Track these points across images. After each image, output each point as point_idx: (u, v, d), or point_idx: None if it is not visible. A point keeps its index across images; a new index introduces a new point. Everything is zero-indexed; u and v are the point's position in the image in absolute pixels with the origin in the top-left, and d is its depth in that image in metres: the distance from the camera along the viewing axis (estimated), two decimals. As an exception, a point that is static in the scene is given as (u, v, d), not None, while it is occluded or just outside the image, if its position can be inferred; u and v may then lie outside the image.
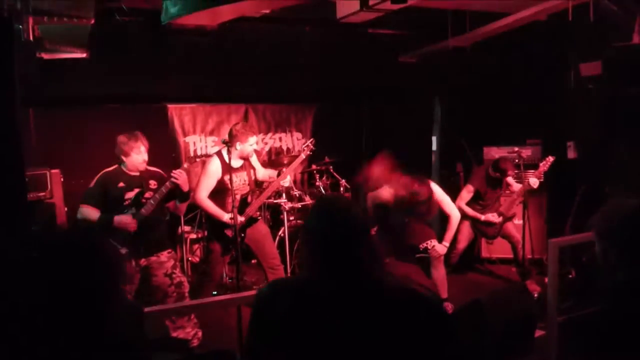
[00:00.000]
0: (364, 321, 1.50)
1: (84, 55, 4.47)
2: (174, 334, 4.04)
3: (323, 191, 6.09)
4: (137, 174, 4.07)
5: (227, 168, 4.41)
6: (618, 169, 5.47)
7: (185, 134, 6.80)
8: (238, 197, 4.48)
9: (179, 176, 3.96)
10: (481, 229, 5.63)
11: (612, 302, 1.85)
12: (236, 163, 4.56)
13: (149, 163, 4.14)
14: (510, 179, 5.50)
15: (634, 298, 1.80)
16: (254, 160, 4.82)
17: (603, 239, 1.88)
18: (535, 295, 5.16)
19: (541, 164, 5.41)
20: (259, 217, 4.88)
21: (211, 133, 6.90)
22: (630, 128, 5.26)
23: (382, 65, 6.94)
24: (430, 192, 4.72)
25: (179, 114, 6.76)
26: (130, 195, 4.00)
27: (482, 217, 5.51)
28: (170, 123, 6.73)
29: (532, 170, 6.02)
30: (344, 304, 1.52)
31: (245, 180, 4.64)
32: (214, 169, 4.44)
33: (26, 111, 5.54)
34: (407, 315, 1.51)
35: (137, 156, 4.01)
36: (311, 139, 5.00)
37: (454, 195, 5.49)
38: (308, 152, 4.87)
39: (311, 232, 1.65)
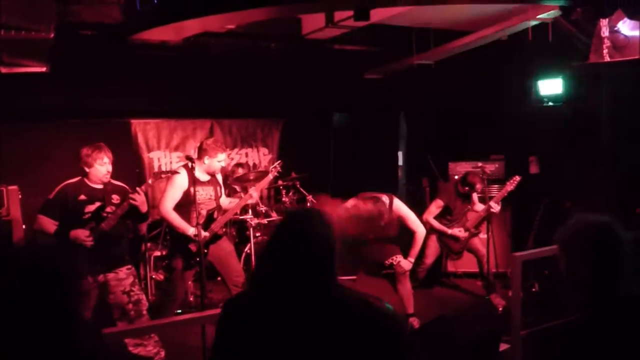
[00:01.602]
0: (320, 334, 1.52)
1: (44, 69, 4.37)
2: (135, 351, 3.94)
3: (290, 207, 6.07)
4: (100, 186, 3.97)
5: (193, 181, 4.35)
6: (577, 185, 5.62)
7: (149, 150, 6.68)
8: (204, 212, 4.41)
9: (138, 198, 3.87)
10: (447, 244, 5.67)
11: (576, 317, 1.87)
12: (203, 177, 4.50)
13: (113, 178, 4.06)
14: (475, 197, 5.58)
15: (598, 313, 1.82)
16: (220, 180, 4.78)
17: (568, 254, 1.89)
18: (500, 309, 5.23)
19: (508, 183, 5.51)
20: (224, 234, 4.81)
21: (176, 149, 6.81)
22: (587, 144, 5.42)
23: (348, 81, 7.00)
24: (385, 210, 4.73)
25: (143, 129, 6.65)
26: (91, 208, 3.90)
27: (449, 231, 5.56)
28: (134, 138, 6.61)
29: (497, 185, 6.13)
30: (302, 317, 1.54)
31: (211, 196, 4.57)
32: (180, 180, 4.36)
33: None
34: (362, 327, 1.53)
35: (101, 167, 3.92)
36: (279, 161, 4.98)
37: (420, 210, 5.53)
38: (275, 174, 4.83)
39: (277, 244, 1.66)
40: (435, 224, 5.58)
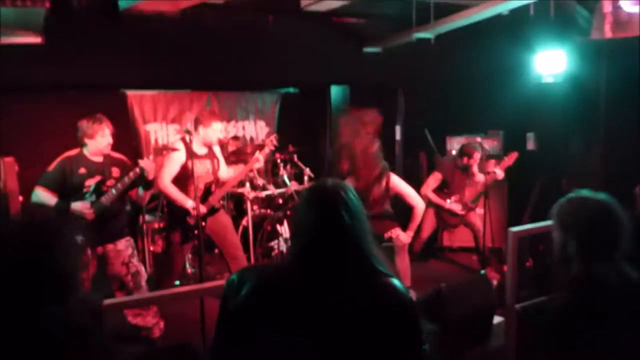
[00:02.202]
0: (333, 316, 1.46)
1: (39, 40, 4.31)
2: (134, 321, 3.99)
3: (287, 180, 6.07)
4: (100, 159, 3.96)
5: (190, 154, 4.33)
6: (574, 162, 5.63)
7: (145, 122, 6.64)
8: (201, 186, 4.42)
9: (147, 164, 3.86)
10: (444, 217, 5.71)
11: (567, 293, 1.89)
12: (200, 150, 4.49)
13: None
14: (475, 168, 5.59)
15: (588, 290, 1.84)
16: (218, 153, 4.76)
17: (564, 230, 1.90)
18: (495, 282, 5.28)
19: (506, 158, 5.52)
20: (221, 208, 4.81)
21: (173, 121, 6.77)
22: (585, 121, 5.41)
23: (347, 55, 6.93)
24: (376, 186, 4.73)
25: (139, 101, 6.60)
26: (91, 182, 3.89)
27: (447, 205, 5.59)
28: (130, 111, 6.57)
29: (495, 160, 6.15)
30: (313, 296, 1.48)
31: (208, 169, 4.57)
32: (178, 154, 4.36)
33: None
34: (376, 309, 1.48)
35: (102, 139, 3.91)
36: (274, 134, 4.97)
37: (417, 184, 5.55)
38: (271, 147, 4.81)
39: (298, 217, 1.61)
40: (434, 197, 5.62)
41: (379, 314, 1.47)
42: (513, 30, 5.84)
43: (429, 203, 5.59)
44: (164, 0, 4.49)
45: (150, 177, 3.94)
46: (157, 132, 6.68)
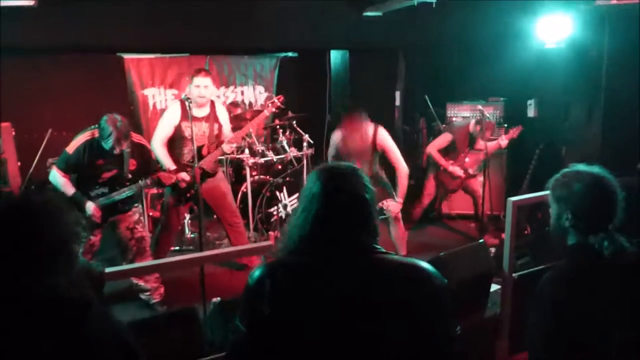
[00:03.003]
0: (365, 301, 1.43)
1: (32, 2, 4.21)
2: (135, 281, 4.07)
3: (286, 146, 6.04)
4: (118, 152, 3.86)
5: (186, 116, 4.27)
6: (575, 131, 5.60)
7: (143, 87, 6.59)
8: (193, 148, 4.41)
9: (165, 177, 3.89)
10: (444, 181, 5.71)
11: (563, 263, 1.93)
12: (198, 113, 4.42)
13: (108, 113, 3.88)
14: (480, 139, 5.63)
15: (583, 260, 1.88)
16: (223, 119, 4.64)
17: (560, 203, 1.93)
18: (492, 250, 5.33)
19: (511, 130, 5.57)
20: (216, 173, 4.68)
21: (171, 86, 6.71)
22: (587, 89, 5.36)
23: (347, 19, 6.80)
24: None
25: (137, 65, 6.53)
26: (107, 175, 3.87)
27: (450, 167, 5.61)
28: (127, 75, 6.51)
29: (496, 128, 6.14)
30: (346, 284, 1.43)
31: (204, 132, 4.48)
32: (169, 115, 4.36)
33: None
34: (409, 293, 1.45)
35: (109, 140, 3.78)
36: (279, 96, 4.88)
37: (416, 152, 5.55)
38: (273, 109, 4.75)
39: (311, 201, 1.52)
40: (437, 156, 5.63)
41: (414, 300, 1.45)
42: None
43: (430, 167, 5.61)
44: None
45: (167, 184, 3.94)
46: (155, 96, 6.62)
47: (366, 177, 1.57)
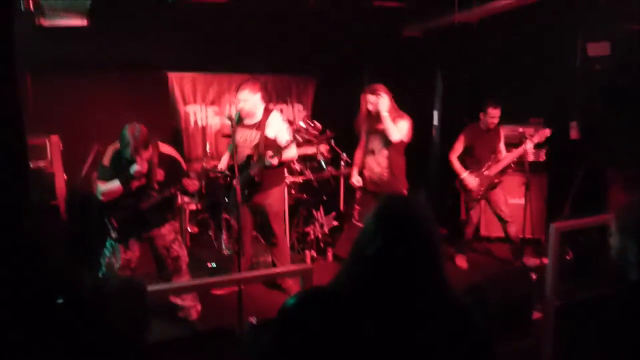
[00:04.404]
0: (407, 344, 1.36)
1: (84, 23, 4.37)
2: (173, 300, 4.08)
3: (324, 165, 6.06)
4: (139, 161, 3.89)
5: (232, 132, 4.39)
6: (620, 152, 5.45)
7: (185, 103, 6.74)
8: (244, 155, 4.50)
9: (190, 185, 3.88)
10: (465, 186, 5.58)
11: (624, 300, 1.83)
12: (247, 120, 4.53)
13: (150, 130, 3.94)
14: (501, 145, 5.57)
15: None
16: (274, 130, 4.53)
17: (626, 235, 1.83)
18: (534, 276, 5.19)
19: (537, 134, 5.35)
20: (262, 184, 4.46)
21: (212, 103, 6.84)
22: (634, 112, 5.22)
23: (386, 38, 6.83)
24: None
25: (180, 82, 6.69)
26: (136, 184, 3.89)
27: (462, 175, 5.51)
28: (171, 91, 6.68)
29: (535, 150, 6.03)
30: (390, 326, 1.37)
31: (246, 139, 4.54)
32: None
33: (23, 77, 5.45)
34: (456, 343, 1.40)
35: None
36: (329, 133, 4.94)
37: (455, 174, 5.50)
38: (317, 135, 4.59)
39: (372, 240, 1.42)
40: (455, 163, 5.56)
41: (460, 346, 1.40)
42: (560, 14, 5.64)
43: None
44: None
45: (192, 191, 3.97)
46: (197, 113, 6.76)
47: (431, 214, 1.47)
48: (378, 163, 4.89)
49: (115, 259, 3.87)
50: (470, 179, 5.48)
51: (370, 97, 4.80)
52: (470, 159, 5.57)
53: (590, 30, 5.42)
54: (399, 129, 4.72)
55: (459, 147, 5.62)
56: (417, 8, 6.31)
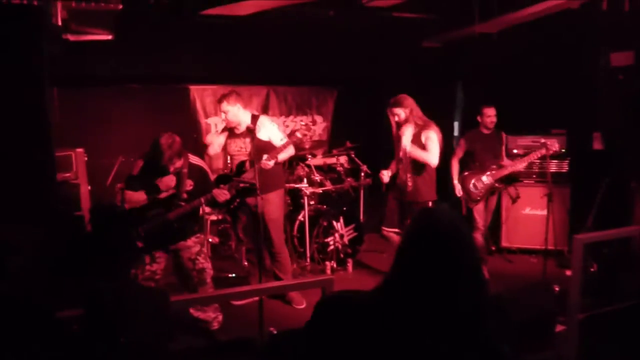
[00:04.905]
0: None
1: (109, 37, 4.47)
2: (195, 315, 4.09)
3: (344, 177, 6.08)
4: (172, 170, 3.92)
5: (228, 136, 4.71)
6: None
7: (207, 116, 6.83)
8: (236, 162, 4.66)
9: (221, 195, 3.94)
10: (465, 187, 5.57)
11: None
12: (235, 131, 4.69)
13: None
14: (503, 151, 5.61)
15: None
16: (265, 134, 4.61)
17: None
18: (557, 288, 5.12)
19: (533, 153, 5.36)
20: (256, 189, 4.27)
21: (233, 115, 6.91)
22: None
23: (406, 50, 6.85)
24: None
25: (201, 95, 6.79)
26: (165, 195, 3.92)
27: (454, 181, 5.56)
28: (192, 104, 6.77)
29: (556, 161, 5.99)
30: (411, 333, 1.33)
31: (241, 148, 4.68)
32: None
33: (50, 91, 5.58)
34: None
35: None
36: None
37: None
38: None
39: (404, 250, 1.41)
40: (453, 167, 5.61)
41: None
42: (583, 24, 5.61)
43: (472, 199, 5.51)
44: (225, 9, 4.59)
45: (221, 201, 4.02)
46: (218, 125, 6.83)
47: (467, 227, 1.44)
48: (404, 172, 4.89)
49: (140, 270, 3.91)
50: (458, 187, 5.52)
51: (395, 110, 4.81)
52: (473, 164, 5.60)
53: (614, 39, 5.36)
54: (430, 150, 4.66)
55: (459, 151, 5.67)
56: (437, 19, 6.34)
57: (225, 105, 4.57)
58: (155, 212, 3.92)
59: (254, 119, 4.64)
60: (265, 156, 4.43)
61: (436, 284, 1.33)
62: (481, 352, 1.33)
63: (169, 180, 3.90)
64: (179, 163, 3.86)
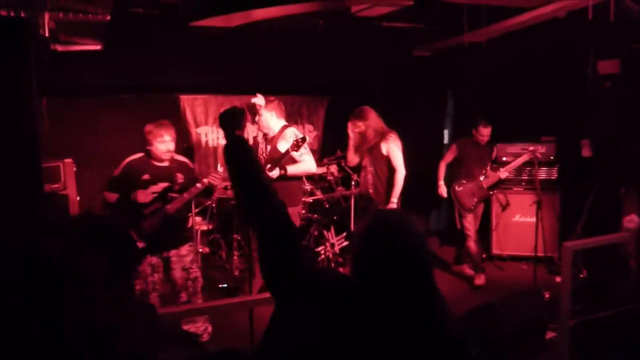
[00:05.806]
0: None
1: (98, 47, 4.46)
2: (185, 327, 4.06)
3: (334, 186, 6.08)
4: (165, 164, 3.98)
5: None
6: (633, 170, 5.41)
7: (197, 125, 6.81)
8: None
9: (217, 177, 3.95)
10: (458, 198, 5.61)
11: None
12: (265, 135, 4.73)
13: None
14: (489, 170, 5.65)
15: None
16: (286, 142, 4.54)
17: None
18: (547, 295, 5.13)
19: (517, 160, 5.58)
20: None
21: (223, 124, 6.91)
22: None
23: (396, 59, 6.88)
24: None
25: (191, 104, 6.77)
26: (156, 189, 3.92)
27: (439, 182, 5.70)
28: (182, 114, 6.75)
29: (546, 168, 6.02)
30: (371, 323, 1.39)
31: (262, 153, 4.70)
32: None
33: (39, 101, 5.55)
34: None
35: (161, 145, 3.91)
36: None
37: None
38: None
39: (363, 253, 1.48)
40: (439, 170, 5.74)
41: None
42: (569, 33, 5.66)
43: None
44: (216, 20, 4.60)
45: (221, 187, 4.03)
46: (208, 134, 6.83)
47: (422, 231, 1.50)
48: (366, 180, 4.92)
49: (143, 281, 3.87)
50: (443, 190, 5.59)
51: (357, 122, 4.88)
52: (460, 169, 5.70)
53: (601, 48, 5.42)
54: (394, 158, 4.75)
55: (449, 155, 5.79)
56: (427, 28, 6.38)
57: (262, 109, 4.52)
58: (153, 208, 3.91)
59: (282, 128, 4.62)
60: (268, 165, 4.37)
61: (382, 275, 1.41)
62: (435, 343, 1.37)
63: (145, 196, 3.90)
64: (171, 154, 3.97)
